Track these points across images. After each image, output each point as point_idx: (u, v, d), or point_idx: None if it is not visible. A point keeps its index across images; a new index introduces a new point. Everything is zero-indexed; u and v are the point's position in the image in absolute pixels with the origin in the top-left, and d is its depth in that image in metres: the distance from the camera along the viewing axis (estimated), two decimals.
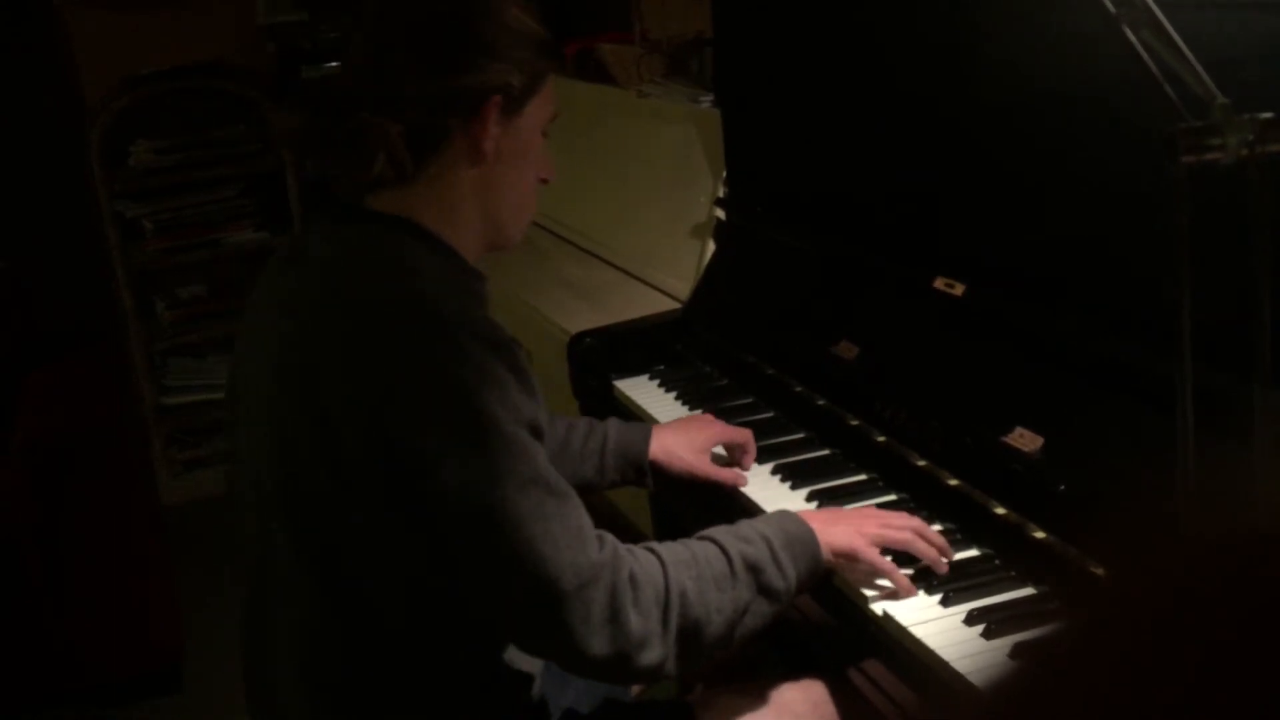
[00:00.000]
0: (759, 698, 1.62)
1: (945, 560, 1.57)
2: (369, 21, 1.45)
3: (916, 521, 1.60)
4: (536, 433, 1.37)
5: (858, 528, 1.56)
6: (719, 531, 1.49)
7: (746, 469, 1.92)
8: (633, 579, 1.37)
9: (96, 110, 4.08)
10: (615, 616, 1.34)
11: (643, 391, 2.32)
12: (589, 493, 1.86)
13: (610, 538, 1.39)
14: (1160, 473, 1.30)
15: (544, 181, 1.56)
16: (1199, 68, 1.11)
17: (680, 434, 1.89)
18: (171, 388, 4.28)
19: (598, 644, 1.34)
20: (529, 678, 1.57)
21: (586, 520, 1.38)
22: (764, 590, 1.45)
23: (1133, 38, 1.13)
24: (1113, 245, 1.60)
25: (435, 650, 1.44)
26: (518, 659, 1.55)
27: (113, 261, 4.15)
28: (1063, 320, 1.65)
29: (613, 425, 1.89)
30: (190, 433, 4.33)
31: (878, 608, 1.54)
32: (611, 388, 2.38)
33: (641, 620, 1.36)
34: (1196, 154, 1.07)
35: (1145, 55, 1.12)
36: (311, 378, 1.38)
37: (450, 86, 1.42)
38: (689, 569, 1.41)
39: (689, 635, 1.39)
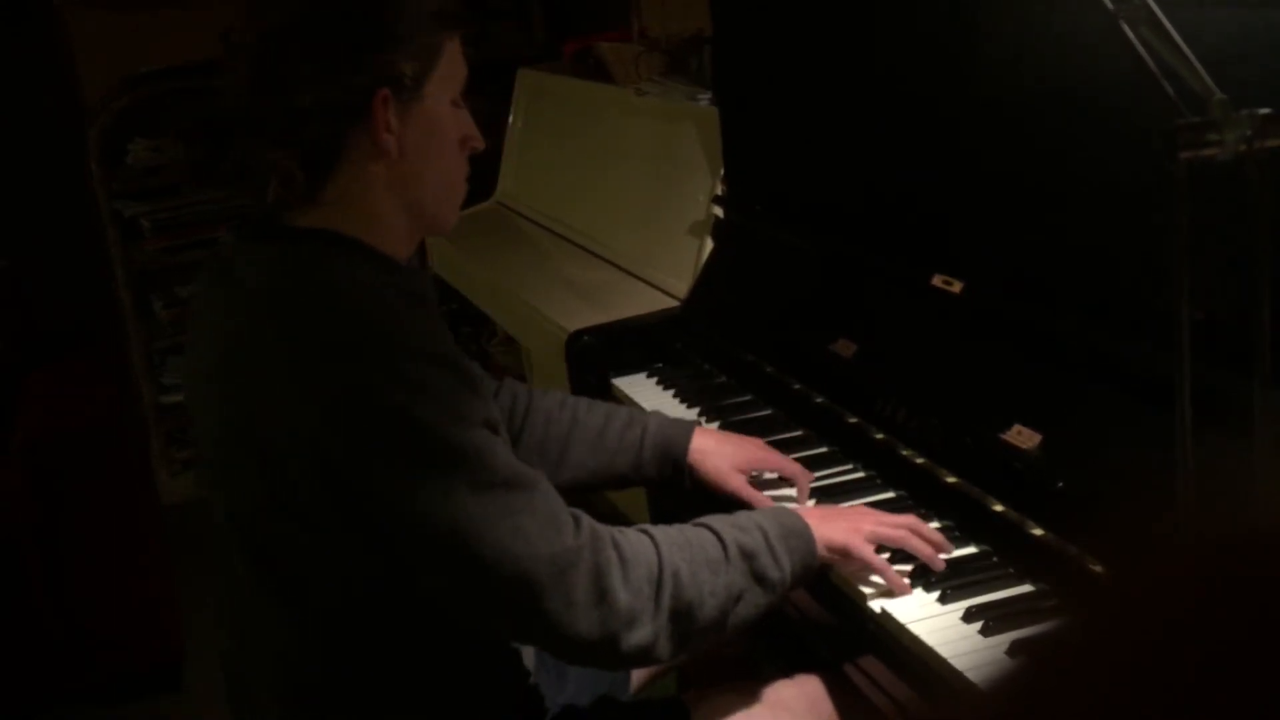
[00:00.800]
0: (756, 695, 1.62)
1: (942, 557, 1.57)
2: (246, 36, 1.41)
3: (912, 519, 1.60)
4: (492, 428, 1.35)
5: (853, 524, 1.56)
6: (714, 519, 1.49)
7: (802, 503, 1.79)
8: (620, 556, 1.36)
9: (95, 109, 4.08)
10: (602, 596, 1.34)
11: (641, 389, 2.32)
12: (622, 486, 1.86)
13: (586, 517, 1.38)
14: (1159, 470, 1.30)
15: (474, 150, 1.51)
16: (1197, 64, 1.11)
17: (723, 443, 1.82)
18: (170, 386, 4.28)
19: (584, 626, 1.33)
20: (524, 676, 1.57)
21: (558, 505, 1.37)
22: (758, 578, 1.44)
23: (1131, 35, 1.12)
24: (1111, 242, 1.60)
25: (421, 658, 1.43)
26: (511, 658, 1.55)
27: (111, 260, 4.15)
28: (1061, 317, 1.65)
29: (654, 418, 1.84)
30: (189, 431, 4.33)
31: (875, 605, 1.54)
32: (610, 386, 2.37)
33: (631, 597, 1.35)
34: (1195, 150, 1.07)
35: (1143, 52, 1.12)
36: (250, 416, 1.36)
37: (328, 92, 1.37)
38: (682, 551, 1.41)
39: (681, 616, 1.38)
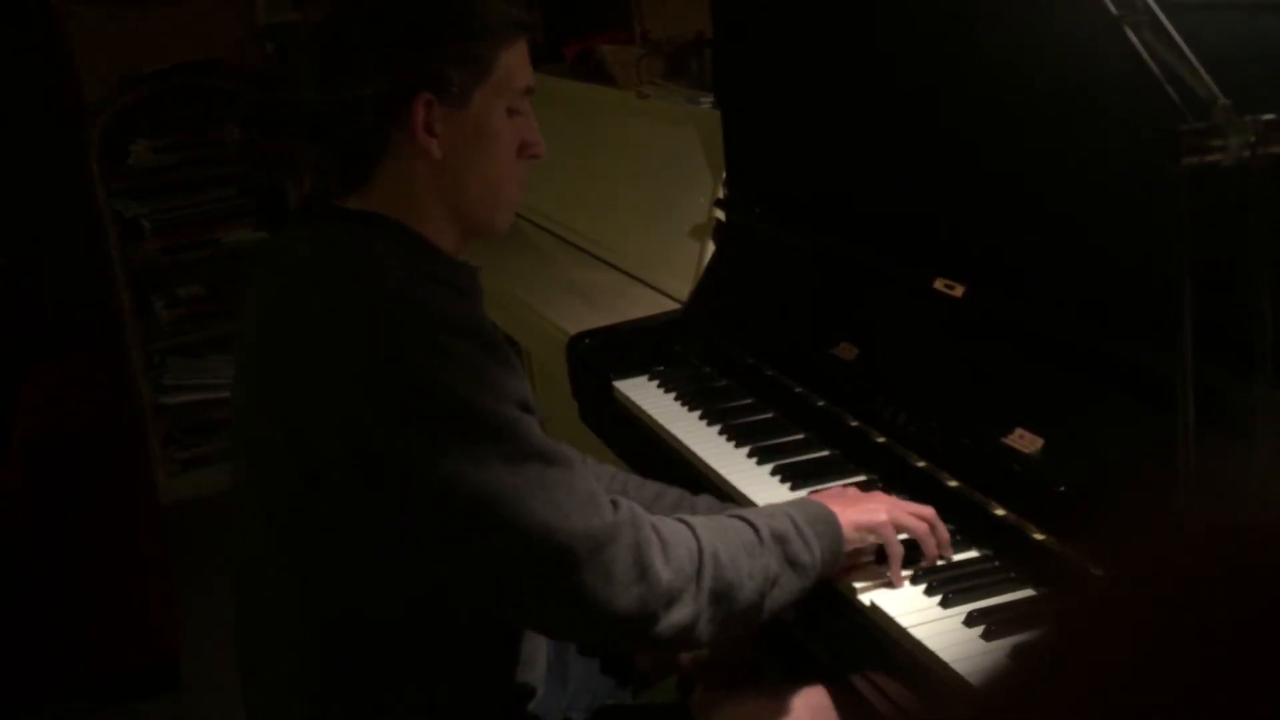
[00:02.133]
0: (760, 705, 1.61)
1: (942, 561, 1.57)
2: (303, 28, 1.45)
3: (932, 513, 1.59)
4: (526, 408, 1.34)
5: (878, 505, 1.56)
6: (741, 510, 1.50)
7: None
8: (660, 536, 1.35)
9: (96, 109, 4.08)
10: (643, 573, 1.32)
11: (642, 392, 2.32)
12: None
13: (625, 500, 1.37)
14: (1161, 473, 1.30)
15: (533, 157, 1.51)
16: (1200, 69, 1.11)
17: (860, 499, 1.62)
18: (170, 387, 4.28)
19: (624, 602, 1.31)
20: (531, 682, 1.56)
21: (595, 485, 1.35)
22: (791, 562, 1.44)
23: (1134, 39, 1.13)
24: (1113, 246, 1.60)
25: (430, 660, 1.43)
26: (521, 664, 1.54)
27: (112, 261, 4.15)
28: (1063, 321, 1.65)
29: (704, 499, 1.73)
30: (188, 432, 4.33)
31: (877, 609, 1.53)
32: (611, 388, 2.37)
33: (673, 574, 1.34)
34: (1198, 155, 1.07)
35: (1146, 56, 1.12)
36: (280, 385, 1.37)
37: (372, 88, 1.38)
38: (719, 534, 1.41)
39: (721, 597, 1.37)
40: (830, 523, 1.50)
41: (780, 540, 1.44)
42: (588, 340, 2.42)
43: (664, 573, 1.33)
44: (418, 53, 1.39)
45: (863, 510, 1.54)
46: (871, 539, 1.55)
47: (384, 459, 1.30)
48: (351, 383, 1.30)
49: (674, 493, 1.76)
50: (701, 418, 2.16)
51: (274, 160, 1.46)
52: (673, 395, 2.27)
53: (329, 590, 1.40)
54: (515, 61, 1.45)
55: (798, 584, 1.45)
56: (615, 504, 1.35)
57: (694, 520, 1.42)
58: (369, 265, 1.36)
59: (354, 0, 1.41)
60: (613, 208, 3.01)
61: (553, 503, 1.29)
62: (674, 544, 1.36)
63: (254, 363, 1.43)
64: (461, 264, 1.49)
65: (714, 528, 1.42)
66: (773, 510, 1.50)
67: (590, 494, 1.33)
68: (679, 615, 1.34)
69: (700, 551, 1.37)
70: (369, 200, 1.44)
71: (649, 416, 2.22)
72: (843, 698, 1.61)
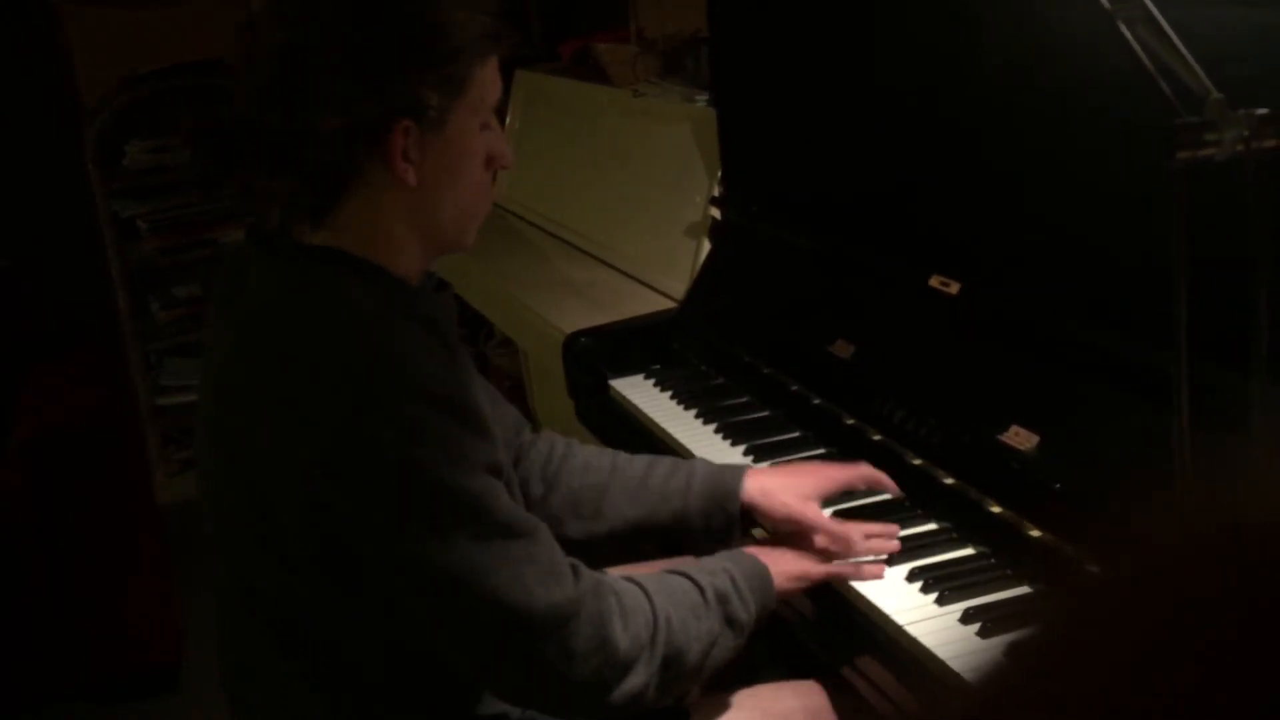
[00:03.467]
0: (757, 705, 1.60)
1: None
2: (267, 41, 1.33)
3: (852, 532, 1.62)
4: (495, 471, 1.31)
5: (800, 551, 1.60)
6: (684, 565, 1.49)
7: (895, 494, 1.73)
8: (620, 604, 1.35)
9: (93, 110, 4.08)
10: (603, 644, 1.32)
11: (639, 391, 2.32)
12: (665, 540, 1.73)
13: (583, 567, 1.37)
14: (1157, 469, 1.30)
15: (501, 168, 1.46)
16: (1194, 63, 1.11)
17: (787, 476, 1.70)
18: (167, 387, 4.28)
19: (580, 675, 1.31)
20: None
21: (558, 554, 1.34)
22: (730, 622, 1.45)
23: (1128, 34, 1.12)
24: (1108, 242, 1.60)
25: (409, 685, 1.41)
26: None
27: (109, 261, 4.15)
28: (1058, 318, 1.64)
29: (700, 463, 1.73)
30: (186, 432, 4.32)
31: (873, 607, 1.53)
32: (608, 387, 2.37)
33: (630, 643, 1.34)
34: (1192, 150, 1.07)
35: (1140, 51, 1.12)
36: (239, 441, 1.33)
37: (346, 116, 1.29)
38: (669, 597, 1.41)
39: (671, 663, 1.38)
40: (764, 578, 1.51)
41: (722, 601, 1.44)
42: (584, 339, 2.41)
43: (621, 642, 1.33)
44: (395, 78, 1.30)
45: (789, 560, 1.57)
46: (803, 585, 1.58)
47: (346, 534, 1.28)
48: (314, 456, 1.26)
49: (667, 460, 1.74)
50: (698, 416, 2.16)
51: (239, 191, 1.37)
52: (669, 394, 2.27)
53: (300, 634, 1.39)
54: (488, 77, 1.39)
55: (734, 643, 1.46)
56: (576, 571, 1.34)
57: (646, 583, 1.41)
58: (335, 320, 1.30)
59: (320, 22, 1.31)
60: (609, 206, 3.01)
61: (517, 578, 1.28)
62: (632, 611, 1.36)
63: (213, 414, 1.38)
64: (430, 293, 1.44)
65: (664, 590, 1.42)
66: (712, 565, 1.49)
67: (553, 565, 1.32)
68: (631, 684, 1.35)
69: (655, 618, 1.37)
70: (336, 232, 1.36)
71: (646, 415, 2.21)
72: (839, 696, 1.61)
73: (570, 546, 1.65)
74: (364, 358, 1.27)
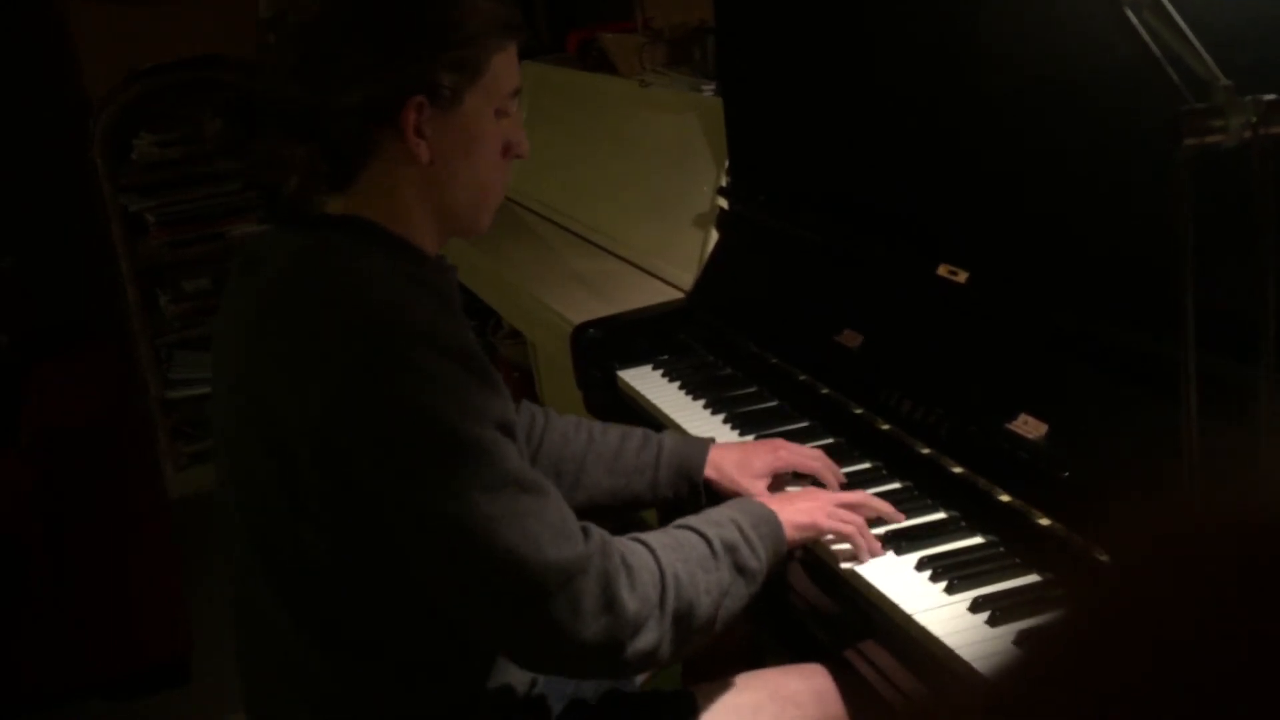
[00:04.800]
0: (763, 688, 1.61)
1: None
2: (290, 20, 1.39)
3: (862, 497, 1.67)
4: (507, 430, 1.33)
5: (814, 502, 1.61)
6: (691, 519, 1.51)
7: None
8: (625, 563, 1.36)
9: (99, 104, 4.08)
10: (610, 604, 1.33)
11: (646, 381, 2.32)
12: (638, 507, 1.82)
13: (595, 527, 1.38)
14: (1165, 459, 1.29)
15: (517, 157, 1.49)
16: (1201, 50, 1.10)
17: (737, 453, 1.80)
18: (176, 381, 4.29)
19: (591, 633, 1.32)
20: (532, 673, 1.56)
21: (568, 513, 1.35)
22: (741, 570, 1.46)
23: (1134, 20, 1.12)
24: (1117, 230, 1.60)
25: (428, 654, 1.43)
26: None
27: (117, 255, 4.15)
28: (1066, 306, 1.64)
29: (668, 437, 1.81)
30: (195, 425, 4.34)
31: (881, 594, 1.53)
32: (615, 378, 2.37)
33: (639, 603, 1.35)
34: (1199, 136, 1.06)
35: (1147, 37, 1.11)
36: (262, 403, 1.35)
37: (362, 90, 1.35)
38: (676, 552, 1.42)
39: (683, 617, 1.39)
40: (773, 524, 1.53)
41: (731, 550, 1.46)
42: (592, 330, 2.41)
43: (630, 602, 1.34)
44: (410, 56, 1.36)
45: (800, 510, 1.59)
46: (810, 536, 1.60)
47: (362, 483, 1.30)
48: (331, 404, 1.29)
49: (638, 433, 1.81)
50: (706, 406, 2.16)
51: (260, 159, 1.41)
52: (677, 384, 2.27)
53: (319, 603, 1.40)
54: (505, 64, 1.43)
55: (746, 591, 1.48)
56: (586, 532, 1.36)
57: (652, 540, 1.43)
58: (350, 277, 1.34)
59: (346, 2, 1.38)
60: (616, 197, 3.00)
61: (526, 532, 1.29)
62: (638, 569, 1.37)
63: (235, 375, 1.41)
64: (442, 266, 1.47)
65: (670, 545, 1.43)
66: (718, 517, 1.51)
67: (563, 522, 1.33)
68: (644, 642, 1.36)
69: (662, 575, 1.38)
70: (352, 202, 1.41)
71: (654, 406, 2.21)
72: (845, 681, 1.61)
73: None
74: (376, 310, 1.30)
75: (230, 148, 1.46)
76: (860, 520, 1.62)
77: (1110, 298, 1.58)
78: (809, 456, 1.81)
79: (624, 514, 1.80)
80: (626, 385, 2.33)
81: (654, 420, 2.20)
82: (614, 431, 1.80)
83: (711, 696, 1.60)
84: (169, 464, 4.23)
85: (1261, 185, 1.06)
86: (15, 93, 4.03)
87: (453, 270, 1.50)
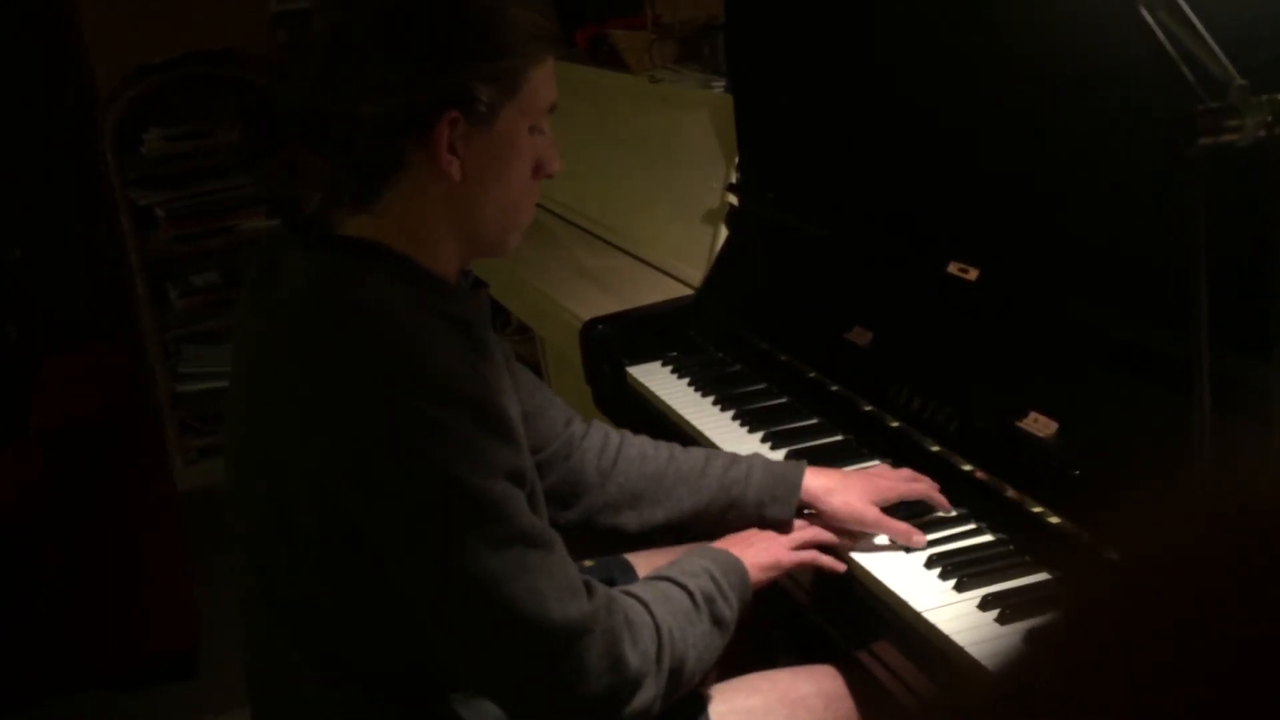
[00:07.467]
0: (773, 691, 1.60)
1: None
2: (320, 25, 1.32)
3: (815, 534, 1.65)
4: (517, 479, 1.29)
5: (771, 541, 1.62)
6: (666, 569, 1.50)
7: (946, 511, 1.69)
8: (628, 619, 1.35)
9: (109, 99, 4.09)
10: (615, 663, 1.32)
11: (655, 378, 2.32)
12: (718, 529, 1.70)
13: (596, 582, 1.36)
14: (1177, 457, 1.29)
15: (547, 176, 1.43)
16: (1216, 49, 1.10)
17: (848, 478, 1.69)
18: (185, 374, 4.30)
19: (593, 691, 1.31)
20: None
21: (573, 569, 1.33)
22: (717, 621, 1.46)
23: (1149, 19, 1.12)
24: (1129, 228, 1.59)
25: (429, 684, 1.41)
26: None
27: (126, 249, 4.16)
28: (1077, 304, 1.64)
29: (758, 458, 1.74)
30: (204, 419, 4.35)
31: (891, 593, 1.53)
32: (624, 374, 2.37)
33: (640, 660, 1.34)
34: (1214, 135, 1.06)
35: (1162, 36, 1.11)
36: (264, 433, 1.32)
37: (394, 103, 1.28)
38: (665, 606, 1.41)
39: (675, 672, 1.39)
40: (740, 572, 1.53)
41: (709, 601, 1.46)
42: (601, 326, 2.42)
43: (633, 660, 1.33)
44: (445, 67, 1.29)
45: (760, 551, 1.59)
46: (773, 575, 1.60)
47: (363, 533, 1.27)
48: (334, 452, 1.25)
49: (725, 454, 1.75)
50: (715, 403, 2.16)
51: (278, 169, 1.33)
52: (686, 381, 2.27)
53: (319, 633, 1.38)
54: (543, 78, 1.37)
55: (721, 641, 1.47)
56: (590, 588, 1.33)
57: (644, 595, 1.42)
58: (363, 312, 1.27)
59: (374, 6, 1.30)
60: (625, 193, 3.00)
61: (533, 590, 1.26)
62: (639, 626, 1.36)
63: (242, 402, 1.37)
64: (465, 292, 1.42)
65: (660, 599, 1.42)
66: (693, 567, 1.49)
67: (569, 579, 1.30)
68: (642, 700, 1.35)
69: (659, 631, 1.38)
70: (375, 222, 1.34)
71: (663, 402, 2.22)
72: (856, 680, 1.61)
73: (623, 536, 1.67)
74: (388, 354, 1.25)
75: (247, 161, 1.34)
76: (814, 552, 1.62)
77: (1121, 296, 1.58)
78: (909, 479, 1.71)
79: (704, 532, 1.73)
80: (635, 381, 2.34)
81: (662, 416, 2.21)
82: (698, 451, 1.76)
83: (721, 699, 1.59)
84: (177, 457, 4.24)
85: (1276, 183, 1.06)
86: (25, 86, 4.04)
87: (483, 288, 1.45)
